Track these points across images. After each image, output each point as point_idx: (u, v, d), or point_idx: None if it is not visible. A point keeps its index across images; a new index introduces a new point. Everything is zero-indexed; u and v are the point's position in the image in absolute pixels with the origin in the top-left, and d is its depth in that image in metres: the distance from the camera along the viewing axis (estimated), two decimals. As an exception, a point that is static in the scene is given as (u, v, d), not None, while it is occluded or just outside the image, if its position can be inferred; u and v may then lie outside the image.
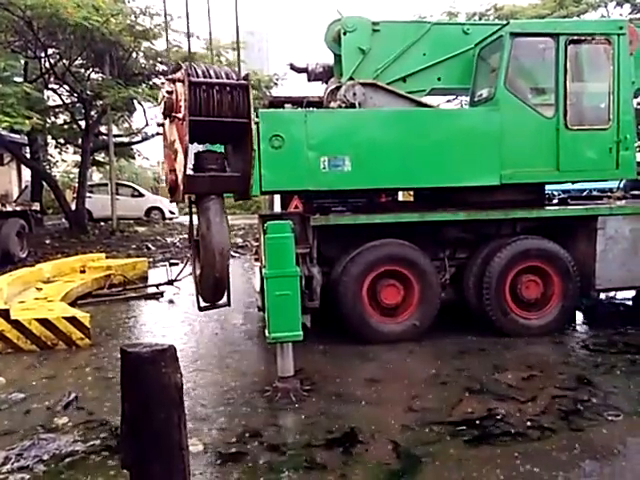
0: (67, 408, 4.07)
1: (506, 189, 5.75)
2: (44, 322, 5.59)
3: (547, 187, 7.02)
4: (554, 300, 5.70)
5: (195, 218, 3.94)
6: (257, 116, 5.31)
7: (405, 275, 5.52)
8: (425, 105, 6.28)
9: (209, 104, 3.36)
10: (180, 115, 3.31)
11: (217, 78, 3.43)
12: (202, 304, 3.88)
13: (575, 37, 5.67)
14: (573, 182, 7.53)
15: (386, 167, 5.51)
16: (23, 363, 5.23)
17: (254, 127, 3.56)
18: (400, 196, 8.37)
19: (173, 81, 3.40)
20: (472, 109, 6.34)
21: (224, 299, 3.91)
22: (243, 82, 3.49)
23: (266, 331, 4.20)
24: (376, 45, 6.26)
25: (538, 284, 5.67)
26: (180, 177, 3.40)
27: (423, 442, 3.38)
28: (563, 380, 4.40)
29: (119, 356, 5.14)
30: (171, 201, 3.82)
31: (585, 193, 10.91)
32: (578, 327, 6.16)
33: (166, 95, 3.40)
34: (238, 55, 4.21)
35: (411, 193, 7.67)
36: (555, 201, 8.08)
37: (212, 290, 3.78)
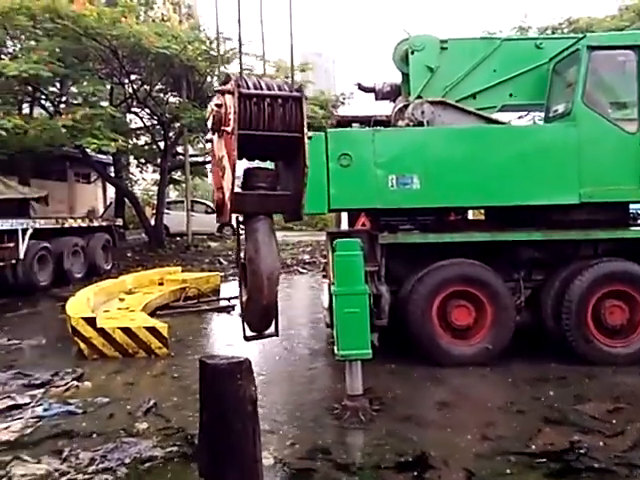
0: (147, 414, 4.29)
1: (585, 208, 5.48)
2: (127, 331, 5.94)
3: (631, 206, 6.62)
4: (641, 327, 5.32)
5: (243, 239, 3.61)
6: (325, 135, 5.43)
7: (477, 296, 5.37)
8: (496, 122, 6.16)
9: (260, 117, 3.08)
10: (229, 129, 3.06)
11: (269, 90, 3.16)
12: (248, 333, 3.54)
13: (658, 48, 5.37)
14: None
15: (456, 185, 5.44)
16: (107, 369, 5.57)
17: (307, 142, 3.23)
18: (470, 214, 8.19)
19: (222, 93, 3.15)
20: (547, 125, 6.15)
21: (272, 329, 3.55)
22: (296, 94, 3.20)
23: (335, 348, 4.23)
24: (444, 63, 6.25)
25: (623, 310, 5.32)
26: (227, 195, 3.15)
27: (499, 472, 3.26)
28: (653, 414, 4.10)
29: (195, 366, 5.34)
30: (218, 221, 3.39)
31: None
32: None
33: (215, 108, 3.16)
34: (292, 64, 3.80)
35: (482, 211, 7.49)
36: (640, 221, 7.57)
37: (259, 318, 3.44)
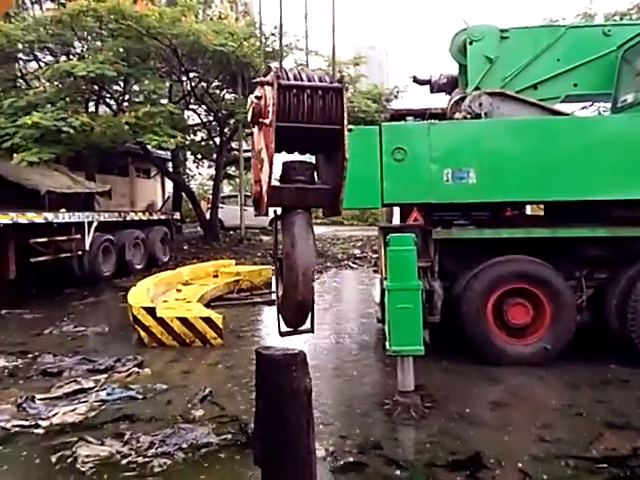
0: (202, 402, 4.43)
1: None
2: (184, 321, 6.16)
3: None
4: None
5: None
6: (379, 129, 5.39)
7: (535, 294, 5.19)
8: (559, 113, 5.90)
9: (299, 109, 3.01)
10: (267, 121, 3.01)
11: (309, 82, 3.08)
12: (283, 329, 3.49)
13: None
14: None
15: (515, 179, 5.26)
16: (165, 357, 5.80)
17: (347, 135, 3.14)
18: (528, 210, 7.90)
19: (262, 85, 3.09)
20: (615, 116, 5.83)
21: (307, 324, 3.48)
22: (337, 85, 3.11)
23: (386, 343, 4.21)
24: (504, 53, 6.05)
25: (693, 310, 5.00)
26: (265, 188, 3.11)
27: (557, 476, 3.15)
28: None
29: (248, 356, 5.48)
30: (256, 214, 3.32)
31: None
32: None
33: (255, 100, 3.10)
34: (333, 53, 3.81)
35: (541, 207, 7.21)
36: None
37: (294, 314, 3.38)
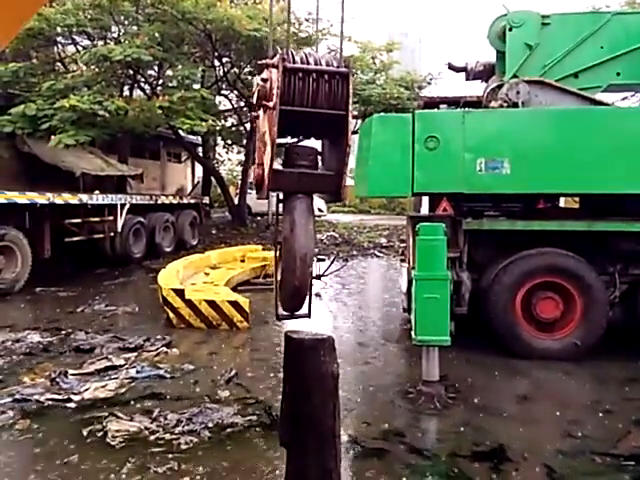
0: (228, 383, 4.52)
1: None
2: (211, 303, 6.25)
3: None
4: None
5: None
6: (413, 116, 5.31)
7: (566, 288, 5.09)
8: (600, 103, 5.71)
9: (304, 93, 2.97)
10: (271, 104, 2.96)
11: (316, 65, 3.02)
12: (281, 313, 3.51)
13: None
14: None
15: (551, 171, 5.13)
16: (193, 338, 5.91)
17: (351, 121, 3.08)
18: (562, 202, 7.71)
19: (267, 67, 3.04)
20: (659, 107, 5.60)
21: (304, 309, 3.50)
22: (343, 69, 3.04)
23: (412, 332, 4.20)
24: (545, 40, 5.86)
25: None
26: (266, 171, 3.07)
27: (582, 472, 3.12)
28: None
29: (273, 341, 5.54)
30: (257, 198, 3.49)
31: None
32: None
33: (260, 83, 3.04)
34: (341, 38, 3.70)
35: (575, 199, 7.02)
36: None
37: (290, 298, 3.39)
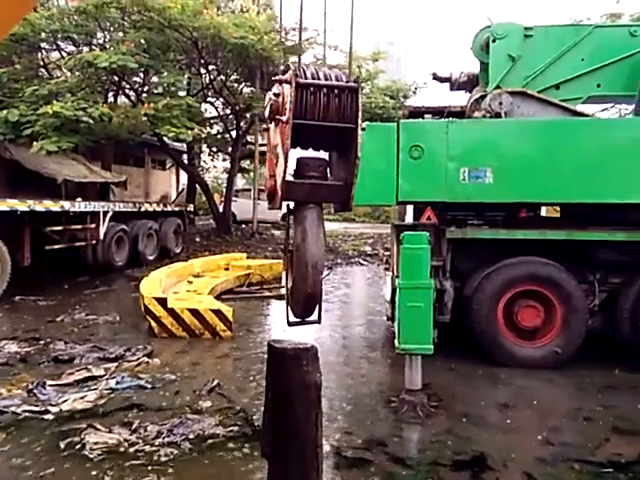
0: (210, 393, 4.46)
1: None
2: (194, 312, 6.20)
3: None
4: None
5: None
6: (397, 125, 5.36)
7: (547, 297, 5.15)
8: (580, 114, 5.82)
9: (315, 107, 3.14)
10: (284, 118, 3.12)
11: (326, 80, 3.19)
12: (291, 319, 3.59)
13: None
14: None
15: (532, 180, 5.21)
16: (175, 348, 5.84)
17: (360, 134, 3.25)
18: (543, 211, 7.82)
19: (280, 83, 3.21)
20: (637, 118, 5.72)
21: (315, 316, 3.60)
22: (353, 85, 3.22)
23: (395, 341, 4.20)
24: (527, 51, 5.96)
25: None
26: (279, 183, 3.21)
27: (561, 479, 3.13)
28: None
29: (256, 350, 5.50)
30: (269, 208, 3.68)
31: None
32: None
33: (272, 97, 3.21)
34: (350, 54, 3.85)
35: (556, 209, 7.12)
36: None
37: (303, 305, 3.48)
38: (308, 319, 3.58)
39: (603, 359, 5.29)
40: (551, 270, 5.18)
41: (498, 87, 5.90)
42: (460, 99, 6.95)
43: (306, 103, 3.10)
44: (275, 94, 3.20)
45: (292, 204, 3.41)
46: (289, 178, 3.24)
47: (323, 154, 3.73)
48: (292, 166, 3.36)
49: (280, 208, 3.43)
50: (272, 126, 3.41)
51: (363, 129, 3.32)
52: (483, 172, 5.26)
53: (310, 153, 3.65)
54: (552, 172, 5.17)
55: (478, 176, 5.26)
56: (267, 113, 3.30)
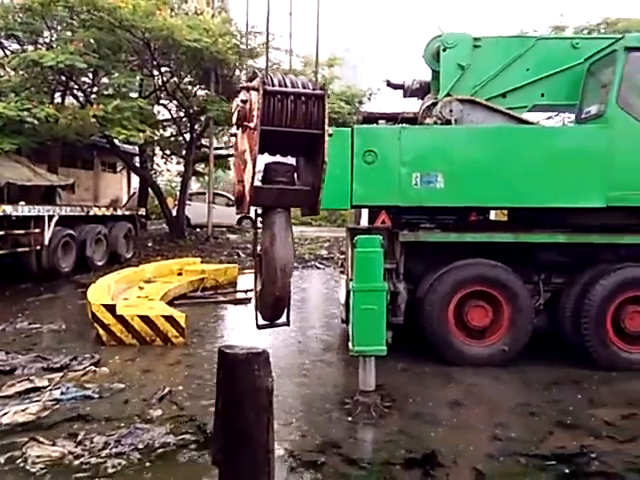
0: (161, 401, 4.35)
1: (612, 212, 5.36)
2: (145, 319, 6.02)
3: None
4: (664, 335, 5.20)
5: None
6: (351, 131, 5.42)
7: (495, 297, 5.32)
8: (526, 122, 6.06)
9: (282, 114, 3.20)
10: (252, 124, 3.18)
11: (293, 87, 3.27)
12: (260, 322, 3.67)
13: (698, 51, 5.20)
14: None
15: (481, 185, 5.38)
16: (124, 356, 5.65)
17: (327, 139, 3.34)
18: (492, 215, 8.09)
19: (248, 89, 3.27)
20: (579, 127, 6.02)
21: (283, 318, 3.68)
22: (319, 92, 3.30)
23: (350, 343, 4.23)
24: (476, 61, 6.16)
25: (646, 316, 5.21)
26: (247, 188, 3.27)
27: (508, 473, 3.25)
28: (669, 422, 4.00)
29: (209, 356, 5.41)
30: (237, 213, 3.69)
31: None
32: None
33: (240, 104, 3.28)
34: (316, 61, 3.95)
35: (504, 212, 7.38)
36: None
37: (272, 308, 3.56)
38: (277, 322, 3.67)
39: (548, 356, 5.50)
40: (499, 271, 5.36)
41: (449, 95, 6.06)
42: (413, 106, 7.11)
43: (273, 110, 3.15)
44: (242, 101, 3.26)
45: (259, 209, 3.47)
46: (257, 184, 3.29)
47: (290, 159, 3.82)
48: (260, 171, 3.43)
49: (248, 213, 3.49)
50: (239, 132, 3.47)
51: (330, 135, 3.43)
52: (434, 177, 5.39)
53: (277, 159, 3.73)
54: (499, 177, 5.35)
55: (430, 181, 5.39)
56: (235, 119, 3.37)
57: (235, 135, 3.59)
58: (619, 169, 5.27)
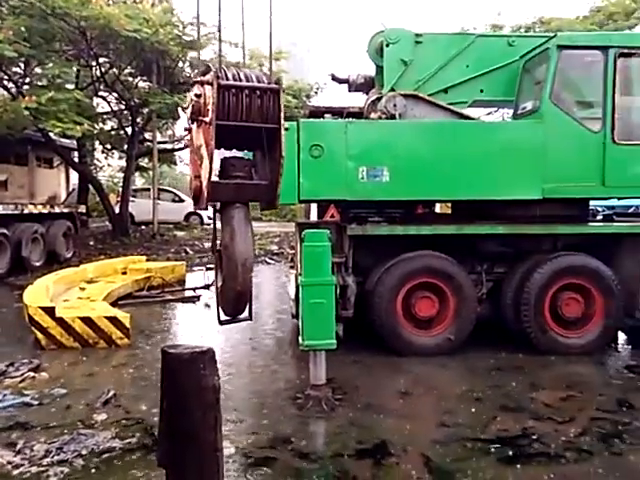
0: (106, 405, 4.20)
1: (548, 203, 5.63)
2: (87, 321, 5.79)
3: (592, 203, 6.83)
4: (596, 319, 5.52)
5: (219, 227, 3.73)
6: (298, 125, 5.40)
7: (441, 288, 5.46)
8: (466, 117, 6.24)
9: (238, 108, 3.20)
10: (207, 119, 3.17)
11: (247, 82, 3.26)
12: (222, 318, 3.64)
13: (625, 50, 5.53)
14: (619, 198, 7.30)
15: (425, 178, 5.50)
16: (65, 360, 5.42)
17: (284, 133, 3.36)
18: (437, 208, 8.30)
19: (202, 84, 3.24)
20: (515, 122, 6.26)
21: (246, 313, 3.68)
22: (274, 86, 3.30)
23: (299, 338, 4.23)
24: (418, 57, 6.28)
25: (579, 302, 5.51)
26: (205, 184, 3.25)
27: (455, 458, 3.34)
28: (603, 402, 4.27)
29: (157, 357, 5.24)
30: (195, 208, 3.70)
31: (631, 210, 10.53)
32: (620, 348, 5.94)
33: (194, 98, 3.25)
34: (270, 56, 3.93)
35: (449, 205, 7.60)
36: (599, 217, 7.83)
37: (233, 303, 3.56)
38: (239, 317, 3.69)
39: (491, 343, 5.72)
40: (444, 263, 5.51)
41: (392, 90, 6.16)
42: (359, 100, 7.17)
43: (229, 104, 3.15)
44: (196, 95, 3.24)
45: (218, 204, 3.48)
46: (215, 179, 3.29)
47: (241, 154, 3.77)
48: (217, 166, 3.43)
49: (206, 209, 3.51)
50: (194, 127, 3.43)
51: (286, 129, 3.44)
52: (380, 171, 5.46)
53: (229, 154, 3.69)
54: (441, 171, 5.49)
55: (376, 175, 5.46)
56: (189, 114, 3.34)
57: (189, 130, 3.55)
58: (553, 162, 5.52)
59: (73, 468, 3.25)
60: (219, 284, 3.59)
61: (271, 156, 3.44)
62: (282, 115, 3.31)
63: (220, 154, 3.52)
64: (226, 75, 3.20)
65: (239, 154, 3.80)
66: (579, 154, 5.58)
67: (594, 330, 5.52)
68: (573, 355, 5.40)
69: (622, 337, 6.22)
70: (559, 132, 5.53)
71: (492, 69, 6.33)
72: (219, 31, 4.16)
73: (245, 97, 3.21)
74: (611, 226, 5.94)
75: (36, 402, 4.26)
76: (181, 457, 2.28)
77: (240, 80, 3.24)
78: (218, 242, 3.74)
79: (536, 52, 5.93)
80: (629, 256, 5.65)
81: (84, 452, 3.42)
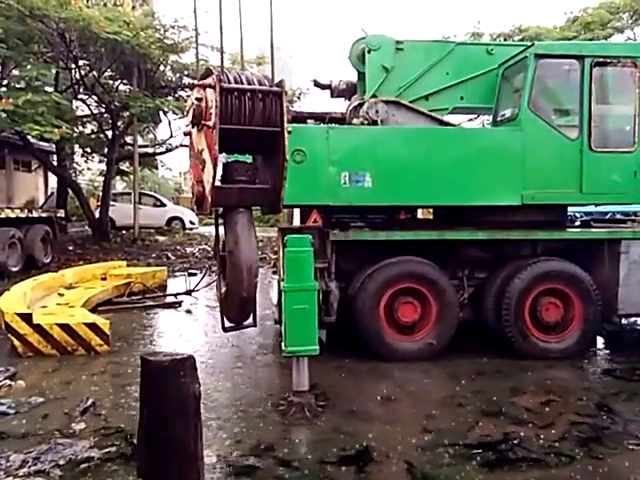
0: (84, 414, 4.12)
1: (527, 209, 5.71)
2: (65, 327, 5.68)
3: (569, 209, 6.95)
4: (575, 324, 5.60)
5: (221, 231, 3.66)
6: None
7: (423, 293, 5.49)
8: (447, 124, 6.31)
9: (240, 112, 3.15)
10: (210, 123, 3.11)
11: (249, 84, 3.21)
12: (227, 324, 3.57)
13: (601, 59, 5.66)
14: (596, 204, 7.44)
15: (406, 184, 5.53)
16: (43, 367, 5.31)
17: (287, 137, 3.29)
18: (419, 214, 8.36)
19: (203, 87, 3.19)
20: (494, 129, 6.35)
21: (250, 319, 3.63)
22: (277, 89, 3.26)
23: (282, 344, 4.21)
24: (399, 63, 6.34)
25: (558, 307, 5.59)
26: (208, 189, 3.19)
27: (438, 464, 3.35)
28: (583, 406, 4.32)
29: (137, 364, 5.16)
30: (198, 214, 3.64)
31: (608, 216, 10.74)
32: (599, 352, 6.04)
33: (195, 102, 3.20)
34: (272, 59, 3.88)
35: (431, 211, 7.66)
36: (577, 223, 7.97)
37: (238, 309, 3.51)
38: (244, 323, 3.65)
39: (473, 348, 5.77)
40: (426, 268, 5.54)
41: (374, 96, 6.20)
42: (341, 106, 7.21)
43: (231, 108, 3.10)
44: (197, 98, 3.18)
45: (220, 209, 3.43)
46: (218, 183, 3.24)
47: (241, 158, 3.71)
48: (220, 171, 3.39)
49: (210, 214, 3.46)
50: (194, 131, 3.36)
51: (289, 132, 3.38)
52: (362, 176, 5.49)
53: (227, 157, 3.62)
54: (423, 177, 5.54)
55: (358, 180, 5.48)
56: (190, 118, 3.28)
57: (190, 134, 3.48)
58: (532, 169, 5.61)
59: (50, 478, 3.18)
60: (222, 290, 3.54)
61: (273, 160, 3.39)
62: (285, 118, 3.27)
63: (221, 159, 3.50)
64: (228, 78, 3.15)
65: (231, 158, 3.74)
66: (557, 161, 5.68)
67: (573, 335, 5.60)
68: (553, 359, 5.46)
69: (601, 342, 6.34)
70: (537, 139, 5.63)
71: (472, 77, 6.42)
72: (220, 30, 3.99)
73: (247, 100, 3.15)
74: (589, 232, 6.04)
75: (12, 411, 4.17)
76: (161, 466, 2.26)
77: (242, 83, 3.19)
78: (220, 247, 3.67)
79: (514, 60, 6.04)
80: (606, 261, 5.75)
81: (62, 462, 3.35)
